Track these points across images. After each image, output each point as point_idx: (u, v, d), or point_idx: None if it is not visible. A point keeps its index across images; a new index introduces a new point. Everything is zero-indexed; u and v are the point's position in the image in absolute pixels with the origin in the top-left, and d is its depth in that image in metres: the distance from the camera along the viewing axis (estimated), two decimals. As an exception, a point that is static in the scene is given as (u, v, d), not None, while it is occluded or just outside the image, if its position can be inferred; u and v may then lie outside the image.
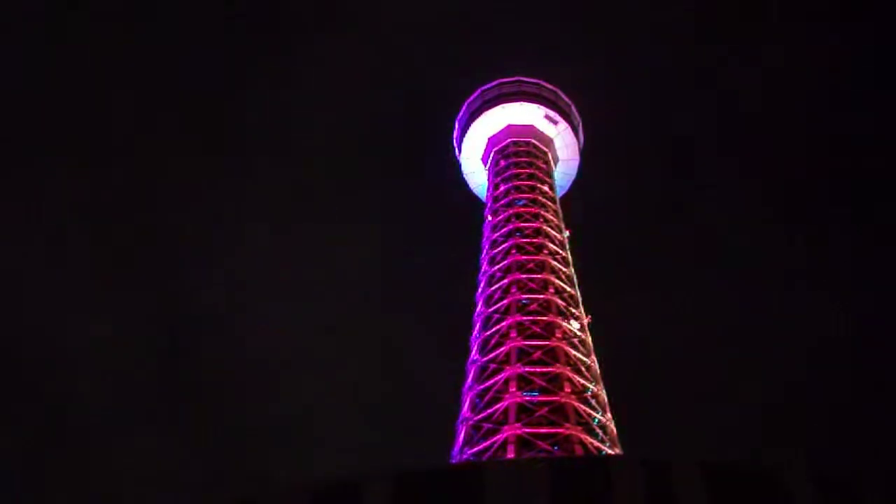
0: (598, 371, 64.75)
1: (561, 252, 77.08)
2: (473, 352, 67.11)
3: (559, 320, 66.57)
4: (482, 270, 76.68)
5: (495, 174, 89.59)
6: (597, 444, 55.74)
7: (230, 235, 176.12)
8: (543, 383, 59.35)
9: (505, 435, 54.91)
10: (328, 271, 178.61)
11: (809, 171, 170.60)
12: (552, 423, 55.64)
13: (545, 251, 75.49)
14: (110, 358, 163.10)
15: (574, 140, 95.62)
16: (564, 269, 74.61)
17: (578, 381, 60.98)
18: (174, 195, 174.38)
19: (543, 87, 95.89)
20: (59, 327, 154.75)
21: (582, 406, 58.48)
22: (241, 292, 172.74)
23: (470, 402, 61.43)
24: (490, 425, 57.34)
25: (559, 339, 64.17)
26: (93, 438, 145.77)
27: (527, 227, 78.73)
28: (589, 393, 60.84)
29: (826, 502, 31.44)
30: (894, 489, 32.16)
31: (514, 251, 75.35)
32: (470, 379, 64.33)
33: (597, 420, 58.65)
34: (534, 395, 58.40)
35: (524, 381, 59.84)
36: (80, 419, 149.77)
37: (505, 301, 69.34)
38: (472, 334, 70.07)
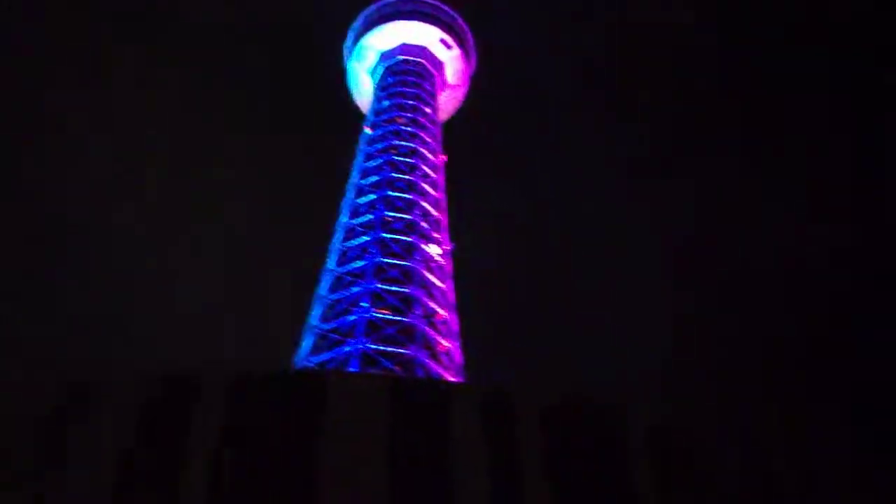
0: (453, 299, 65.23)
1: (433, 175, 76.91)
2: (330, 260, 66.56)
3: (421, 242, 66.63)
4: (351, 181, 75.86)
5: (381, 89, 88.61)
6: (440, 369, 56.29)
7: (94, 134, 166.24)
8: (396, 303, 59.43)
9: (351, 348, 54.88)
10: (190, 166, 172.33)
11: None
12: (399, 343, 55.83)
13: (418, 172, 75.22)
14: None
15: (466, 67, 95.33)
16: (434, 193, 74.55)
17: (431, 306, 61.28)
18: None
19: (442, 9, 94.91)
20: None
21: (430, 330, 58.85)
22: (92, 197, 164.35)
23: (320, 312, 61.07)
24: (337, 337, 57.16)
25: (418, 261, 64.30)
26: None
27: (403, 146, 78.19)
28: (439, 318, 61.26)
29: (654, 445, 32.69)
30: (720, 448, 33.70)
31: (386, 167, 74.79)
32: (323, 288, 63.85)
33: (444, 347, 59.19)
34: (384, 314, 58.40)
35: (377, 298, 59.75)
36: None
37: (370, 216, 68.90)
38: (331, 242, 69.41)
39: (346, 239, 67.71)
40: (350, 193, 73.82)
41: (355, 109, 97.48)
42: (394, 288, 60.64)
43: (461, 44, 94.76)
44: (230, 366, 34.43)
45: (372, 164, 76.04)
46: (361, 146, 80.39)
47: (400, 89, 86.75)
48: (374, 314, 57.85)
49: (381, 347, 54.84)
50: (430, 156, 79.02)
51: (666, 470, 32.92)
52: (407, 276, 62.61)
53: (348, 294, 60.95)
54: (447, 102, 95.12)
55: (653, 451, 33.20)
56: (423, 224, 69.20)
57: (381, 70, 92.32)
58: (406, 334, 57.04)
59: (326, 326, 58.83)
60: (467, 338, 63.13)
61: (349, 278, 62.84)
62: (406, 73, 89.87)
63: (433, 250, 67.39)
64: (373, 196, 71.34)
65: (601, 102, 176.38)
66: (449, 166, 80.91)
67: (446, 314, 62.26)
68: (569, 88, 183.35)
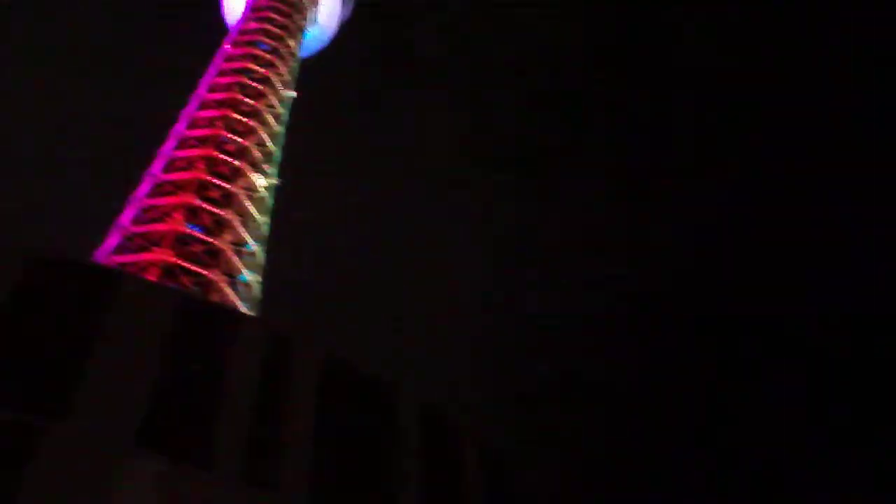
0: (266, 234, 65.71)
1: (278, 109, 76.93)
2: (156, 164, 65.77)
3: (249, 170, 66.73)
4: (197, 92, 74.91)
5: (252, 9, 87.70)
6: (235, 298, 56.89)
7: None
8: (209, 223, 59.53)
9: (154, 257, 54.73)
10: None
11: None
12: (202, 264, 56.11)
13: (264, 101, 75.07)
14: None
15: (339, 12, 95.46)
16: (274, 126, 74.65)
17: (242, 234, 61.65)
18: None
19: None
20: None
21: (236, 258, 59.29)
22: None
23: (133, 213, 60.39)
24: (144, 243, 56.86)
25: (241, 188, 64.47)
26: None
27: (257, 72, 77.81)
28: (247, 249, 61.69)
29: (424, 430, 34.41)
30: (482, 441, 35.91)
31: (235, 88, 74.38)
32: (141, 190, 63.11)
33: (245, 278, 59.73)
34: (196, 230, 58.42)
35: (192, 214, 59.72)
36: None
37: (206, 131, 68.51)
38: (161, 147, 68.50)
39: (177, 148, 67.01)
40: (192, 104, 72.94)
41: (221, 26, 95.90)
42: (211, 208, 60.69)
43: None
44: (23, 249, 33.78)
45: (222, 81, 75.32)
46: (216, 61, 79.41)
47: (270, 15, 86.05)
48: (185, 228, 57.82)
49: (184, 263, 55.00)
50: (281, 88, 78.92)
51: (431, 447, 34.64)
52: (227, 199, 62.73)
53: (165, 203, 60.55)
54: (311, 42, 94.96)
55: (421, 429, 34.84)
56: (257, 153, 69.30)
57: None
58: (211, 256, 57.38)
59: (135, 230, 58.32)
60: (271, 275, 64.00)
61: (170, 188, 62.41)
62: (281, 0, 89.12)
63: (259, 181, 67.63)
64: (214, 112, 70.78)
65: (475, 95, 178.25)
66: (296, 104, 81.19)
67: (255, 246, 62.77)
68: (440, 71, 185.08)
